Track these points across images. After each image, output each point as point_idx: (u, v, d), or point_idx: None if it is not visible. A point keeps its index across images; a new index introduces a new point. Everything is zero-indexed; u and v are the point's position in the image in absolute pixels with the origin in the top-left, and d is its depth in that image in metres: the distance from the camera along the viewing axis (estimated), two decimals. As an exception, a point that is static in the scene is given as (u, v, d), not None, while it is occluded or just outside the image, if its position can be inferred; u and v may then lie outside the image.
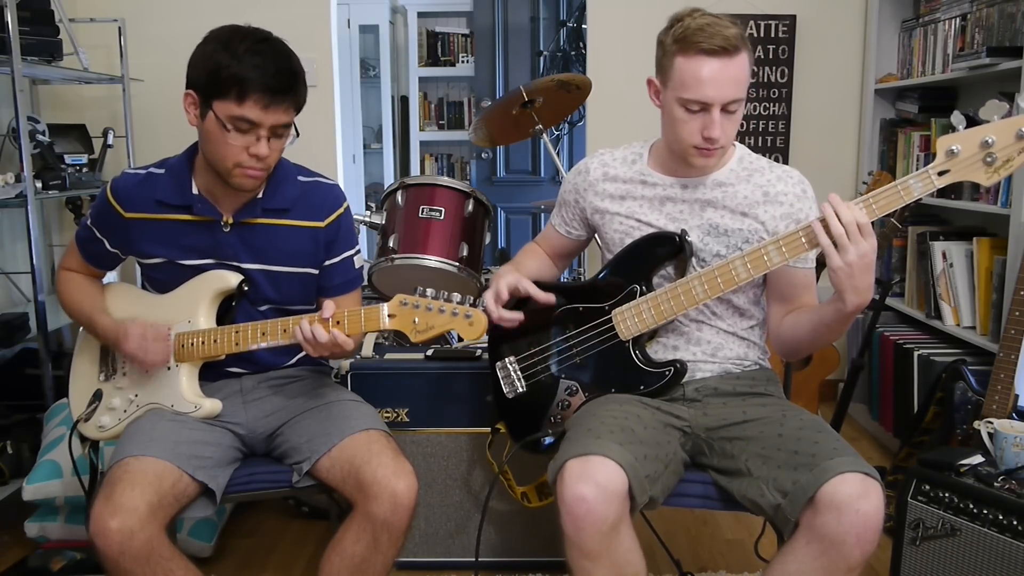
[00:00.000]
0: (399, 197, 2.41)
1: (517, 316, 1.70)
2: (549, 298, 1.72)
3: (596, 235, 1.86)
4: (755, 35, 3.45)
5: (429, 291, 1.58)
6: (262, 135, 1.59)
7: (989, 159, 1.37)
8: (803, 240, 1.51)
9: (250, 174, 1.64)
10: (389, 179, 5.54)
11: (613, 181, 1.77)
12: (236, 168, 1.62)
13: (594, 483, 1.42)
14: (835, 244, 1.44)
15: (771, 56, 3.46)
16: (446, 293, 1.58)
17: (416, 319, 1.57)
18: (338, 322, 1.63)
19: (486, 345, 1.92)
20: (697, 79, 1.54)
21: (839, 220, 1.43)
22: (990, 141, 1.37)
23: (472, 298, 1.57)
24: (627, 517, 1.47)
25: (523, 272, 1.83)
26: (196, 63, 1.60)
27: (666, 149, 1.72)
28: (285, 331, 1.66)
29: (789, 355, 1.75)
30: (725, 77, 1.54)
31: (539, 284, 1.84)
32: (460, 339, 1.77)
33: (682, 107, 1.58)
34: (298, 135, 1.67)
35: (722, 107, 1.56)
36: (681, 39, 1.56)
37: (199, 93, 1.60)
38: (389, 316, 1.59)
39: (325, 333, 1.61)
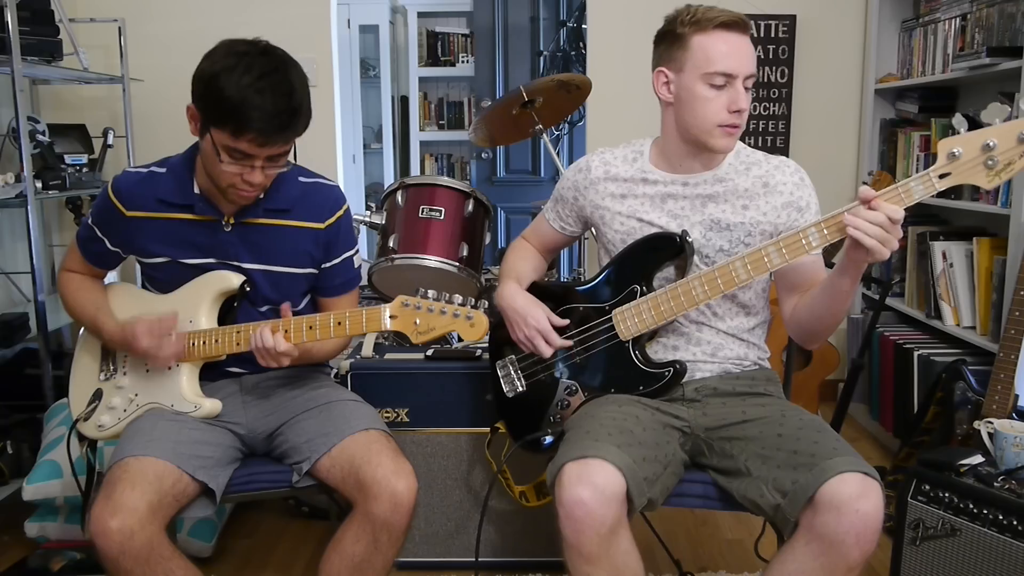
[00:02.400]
0: (399, 197, 2.41)
1: (567, 343, 1.74)
2: (563, 323, 1.75)
3: (595, 234, 1.86)
4: (755, 35, 3.45)
5: (431, 292, 1.58)
6: (256, 165, 1.59)
7: (990, 162, 1.37)
8: (803, 242, 1.50)
9: (243, 194, 1.64)
10: (389, 179, 5.54)
11: (614, 180, 1.77)
12: (230, 188, 1.63)
13: (592, 486, 1.41)
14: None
15: (771, 56, 3.46)
16: (447, 295, 1.58)
17: (417, 320, 1.57)
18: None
19: (486, 345, 1.92)
20: (721, 51, 1.58)
21: (873, 223, 1.40)
22: (992, 144, 1.36)
23: (473, 300, 1.57)
24: (625, 520, 1.46)
25: (523, 279, 1.84)
26: (199, 81, 1.56)
27: (675, 142, 1.71)
28: (287, 332, 1.66)
29: (806, 338, 1.71)
30: (746, 50, 1.60)
31: (543, 285, 1.85)
32: (460, 339, 1.76)
33: (706, 84, 1.60)
34: (295, 160, 1.66)
35: (744, 84, 1.60)
36: (695, 21, 1.60)
37: (200, 112, 1.59)
38: (391, 317, 1.59)
39: (270, 337, 1.62)
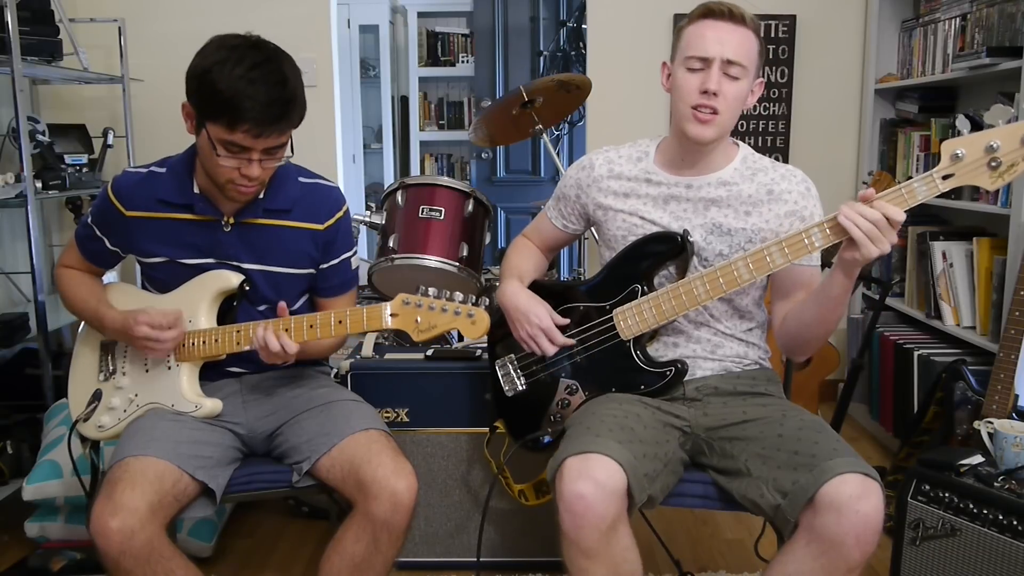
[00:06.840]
0: (399, 197, 2.41)
1: (570, 342, 1.74)
2: (564, 321, 1.76)
3: (595, 232, 1.86)
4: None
5: (431, 290, 1.57)
6: (254, 158, 1.58)
7: (994, 164, 1.37)
8: (806, 241, 1.50)
9: (242, 191, 1.64)
10: (389, 179, 5.54)
11: (618, 178, 1.77)
12: (228, 184, 1.62)
13: (593, 481, 1.42)
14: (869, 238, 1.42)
15: (771, 56, 3.46)
16: (448, 292, 1.58)
17: (419, 318, 1.57)
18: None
19: (486, 344, 1.92)
20: (700, 36, 1.61)
21: (866, 217, 1.42)
22: (995, 146, 1.36)
23: (474, 297, 1.57)
24: (625, 516, 1.47)
25: (525, 277, 1.85)
26: (192, 78, 1.57)
27: (674, 140, 1.71)
28: (287, 331, 1.66)
29: (794, 348, 1.72)
30: (727, 36, 1.60)
31: (544, 284, 1.85)
32: (461, 338, 1.77)
33: (685, 68, 1.62)
34: (292, 154, 1.66)
35: (724, 71, 1.59)
36: (692, 13, 1.65)
37: (194, 108, 1.59)
38: (392, 315, 1.59)
39: (275, 340, 1.62)
